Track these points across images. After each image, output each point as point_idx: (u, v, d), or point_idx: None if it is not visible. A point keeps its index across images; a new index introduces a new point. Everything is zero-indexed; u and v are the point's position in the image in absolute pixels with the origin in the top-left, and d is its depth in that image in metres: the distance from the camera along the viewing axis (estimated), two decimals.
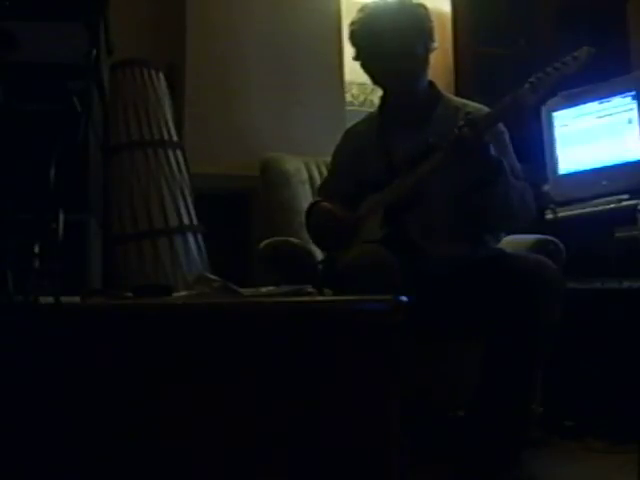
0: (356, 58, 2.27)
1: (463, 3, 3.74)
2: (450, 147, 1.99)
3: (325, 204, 2.24)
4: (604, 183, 2.75)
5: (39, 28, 2.24)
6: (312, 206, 2.33)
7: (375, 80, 2.28)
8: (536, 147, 2.95)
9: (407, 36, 2.16)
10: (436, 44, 2.24)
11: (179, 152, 2.89)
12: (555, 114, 2.93)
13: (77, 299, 1.55)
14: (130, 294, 1.65)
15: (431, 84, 2.28)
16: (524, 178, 2.17)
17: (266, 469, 1.28)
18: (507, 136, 2.22)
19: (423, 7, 2.23)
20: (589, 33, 3.60)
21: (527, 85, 1.98)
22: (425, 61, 2.22)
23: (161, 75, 2.95)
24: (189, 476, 1.29)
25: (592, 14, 3.72)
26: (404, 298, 1.32)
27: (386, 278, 1.86)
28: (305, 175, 2.95)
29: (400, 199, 2.10)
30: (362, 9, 2.25)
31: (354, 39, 2.26)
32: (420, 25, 2.20)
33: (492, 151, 2.00)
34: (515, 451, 1.99)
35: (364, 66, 2.27)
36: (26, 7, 2.24)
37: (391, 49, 2.15)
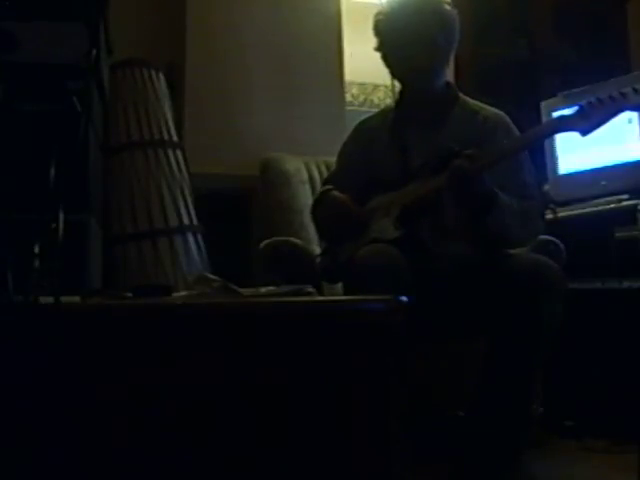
0: (378, 49, 2.26)
1: (463, 3, 3.74)
2: (447, 178, 1.99)
3: (339, 194, 2.21)
4: (604, 183, 2.75)
5: (39, 28, 2.23)
6: (322, 194, 2.30)
7: (394, 74, 2.28)
8: (536, 147, 2.94)
9: (429, 30, 2.16)
10: (456, 44, 2.24)
11: (179, 152, 2.89)
12: (555, 114, 2.93)
13: (77, 299, 1.55)
14: (130, 294, 1.65)
15: (448, 84, 2.28)
16: (533, 195, 2.14)
17: (266, 469, 1.28)
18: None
19: (449, 4, 2.24)
20: (589, 33, 3.60)
21: (577, 109, 1.94)
22: (444, 57, 2.23)
23: (161, 75, 2.95)
24: (189, 476, 1.29)
25: (592, 14, 3.72)
26: (404, 298, 1.32)
27: (397, 278, 1.85)
28: (305, 175, 2.94)
29: (418, 203, 2.09)
30: (389, 1, 2.25)
31: (378, 29, 2.25)
32: (444, 22, 2.19)
33: (486, 183, 1.99)
34: (515, 451, 1.99)
35: (385, 58, 2.26)
36: (26, 7, 2.24)
37: (414, 43, 2.15)
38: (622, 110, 1.92)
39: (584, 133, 1.96)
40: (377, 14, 2.27)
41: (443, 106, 2.23)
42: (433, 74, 2.22)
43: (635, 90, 1.89)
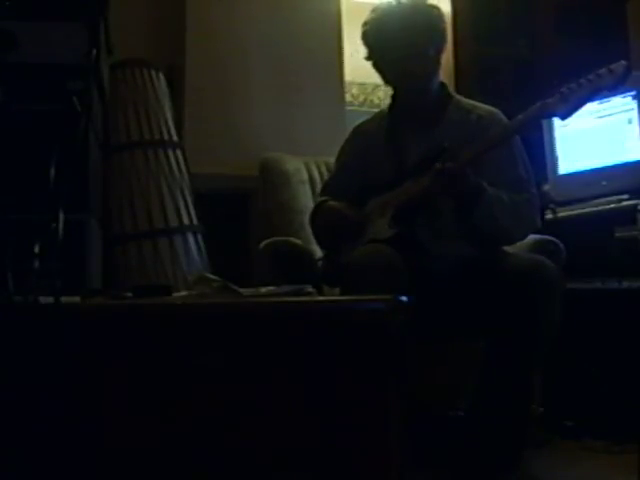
0: (368, 58, 2.27)
1: (463, 3, 3.74)
2: (432, 178, 2.00)
3: (333, 203, 2.24)
4: (604, 183, 2.74)
5: (39, 28, 2.23)
6: (318, 206, 2.33)
7: (386, 80, 2.28)
8: (536, 147, 2.94)
9: (419, 37, 2.16)
10: (446, 45, 2.25)
11: (179, 152, 2.89)
12: None
13: (77, 299, 1.55)
14: (130, 294, 1.65)
15: (442, 85, 2.28)
16: (528, 189, 2.14)
17: (266, 468, 1.28)
18: (518, 142, 2.18)
19: (436, 8, 2.24)
20: (589, 33, 3.59)
21: (557, 95, 1.96)
22: (437, 62, 2.23)
23: (161, 75, 2.95)
24: (190, 475, 1.29)
25: (592, 14, 3.72)
26: (404, 298, 1.32)
27: (392, 277, 1.86)
28: (305, 175, 2.94)
29: (411, 201, 2.09)
30: (375, 9, 2.25)
31: (366, 39, 2.25)
32: (432, 26, 2.20)
33: (470, 179, 1.99)
34: (515, 451, 1.99)
35: (375, 66, 2.26)
36: (26, 7, 2.24)
37: (403, 50, 2.15)
38: (598, 90, 1.95)
39: (563, 117, 2.00)
40: (364, 24, 2.27)
41: (437, 107, 2.24)
42: (426, 80, 2.23)
43: (610, 70, 1.93)
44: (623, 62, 1.94)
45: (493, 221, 2.03)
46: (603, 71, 1.94)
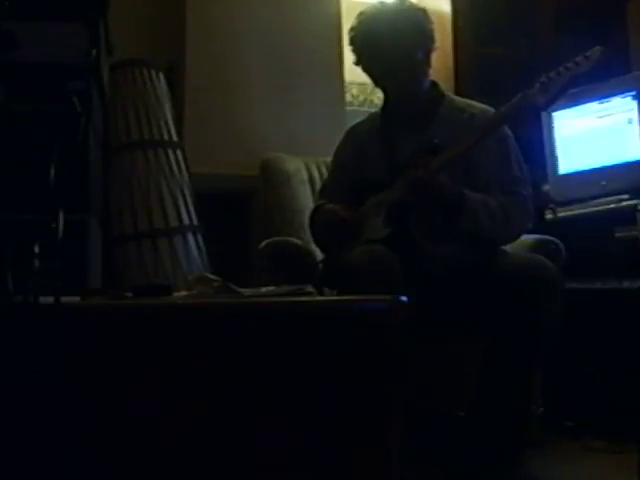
0: (357, 63, 2.28)
1: (463, 3, 3.74)
2: (405, 187, 2.03)
3: (329, 206, 2.26)
4: (604, 183, 2.75)
5: (39, 28, 2.23)
6: (316, 209, 2.34)
7: (376, 82, 2.29)
8: (536, 147, 2.94)
9: (406, 39, 2.17)
10: (436, 45, 2.25)
11: (179, 152, 2.89)
12: (555, 114, 2.93)
13: (77, 299, 1.55)
14: (130, 294, 1.65)
15: (434, 85, 2.29)
16: (518, 191, 2.14)
17: (265, 469, 1.28)
18: (511, 140, 2.19)
19: (422, 10, 2.24)
20: (589, 33, 3.59)
21: (537, 85, 1.99)
22: (425, 63, 2.23)
23: (161, 75, 2.95)
24: (186, 476, 1.29)
25: (592, 14, 3.72)
26: (404, 298, 1.32)
27: (388, 277, 1.86)
28: (305, 175, 2.94)
29: (402, 200, 2.10)
30: (361, 14, 2.26)
31: (354, 44, 2.26)
32: (419, 28, 2.20)
33: (446, 187, 2.01)
34: (515, 451, 1.99)
35: (365, 69, 2.28)
36: (26, 7, 2.24)
37: (390, 53, 2.16)
38: (576, 77, 1.99)
39: (543, 108, 2.06)
40: (350, 30, 2.28)
41: (428, 106, 2.25)
42: (416, 82, 2.24)
43: (586, 57, 1.98)
44: (598, 47, 1.98)
45: (479, 228, 2.04)
46: (579, 58, 1.98)
